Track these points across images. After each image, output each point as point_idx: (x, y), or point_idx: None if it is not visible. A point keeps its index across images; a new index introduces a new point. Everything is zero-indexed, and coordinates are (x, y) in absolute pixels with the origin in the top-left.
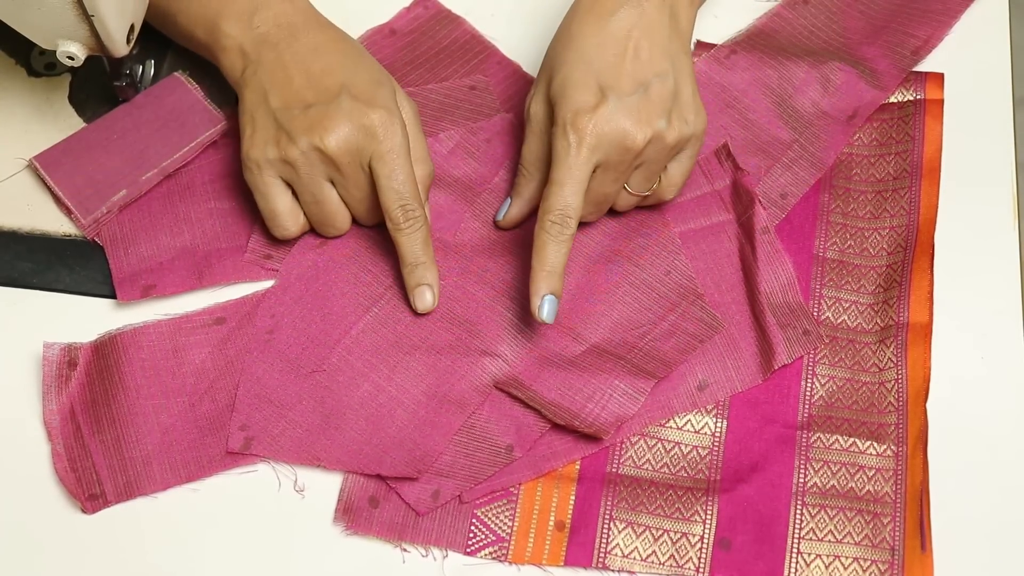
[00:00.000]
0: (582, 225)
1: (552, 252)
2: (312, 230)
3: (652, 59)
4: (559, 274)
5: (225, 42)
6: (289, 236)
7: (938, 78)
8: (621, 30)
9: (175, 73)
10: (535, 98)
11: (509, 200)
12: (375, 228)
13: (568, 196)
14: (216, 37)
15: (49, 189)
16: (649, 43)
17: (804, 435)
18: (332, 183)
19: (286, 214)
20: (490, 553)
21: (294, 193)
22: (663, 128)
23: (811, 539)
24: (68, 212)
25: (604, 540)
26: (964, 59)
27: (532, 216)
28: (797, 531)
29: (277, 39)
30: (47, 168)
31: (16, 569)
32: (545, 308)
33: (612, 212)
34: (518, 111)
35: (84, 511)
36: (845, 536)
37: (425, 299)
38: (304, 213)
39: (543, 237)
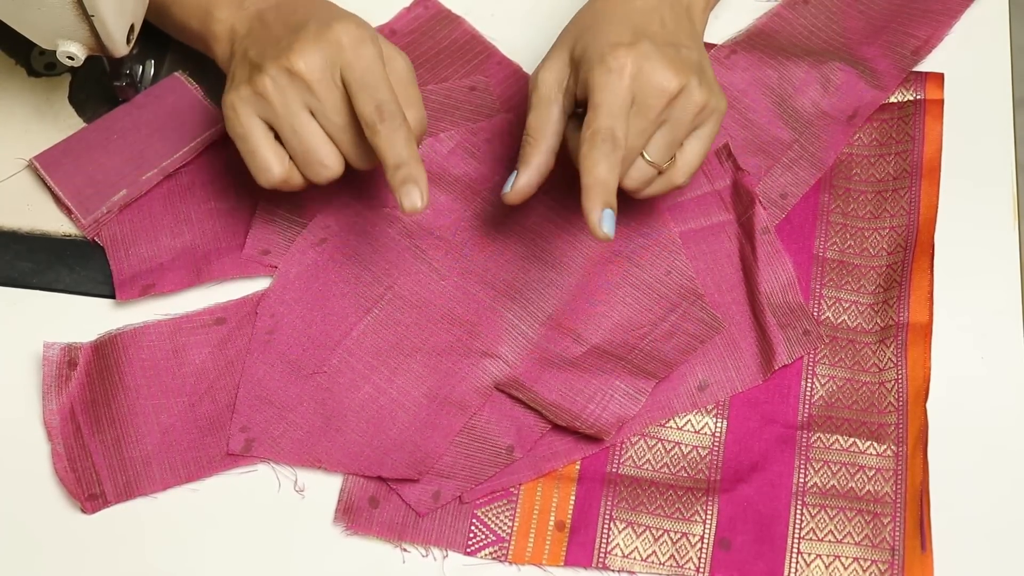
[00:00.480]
0: (581, 224)
1: (604, 167)
2: (311, 230)
3: (678, 32)
4: (613, 190)
5: (216, 28)
6: (274, 180)
7: (938, 78)
8: (647, 5)
9: (175, 73)
10: (546, 65)
11: (515, 172)
12: (375, 225)
13: (617, 115)
14: (208, 24)
15: (49, 189)
16: (674, 24)
17: (804, 435)
18: (312, 114)
19: (269, 155)
20: (490, 553)
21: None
22: (695, 84)
23: (811, 539)
24: (68, 212)
25: (604, 540)
26: (964, 59)
27: (537, 205)
28: (797, 531)
29: (264, 9)
30: (47, 168)
31: (16, 569)
32: (605, 222)
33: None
34: (519, 111)
35: (84, 511)
36: (845, 536)
37: (412, 197)
38: (289, 156)
39: (594, 155)
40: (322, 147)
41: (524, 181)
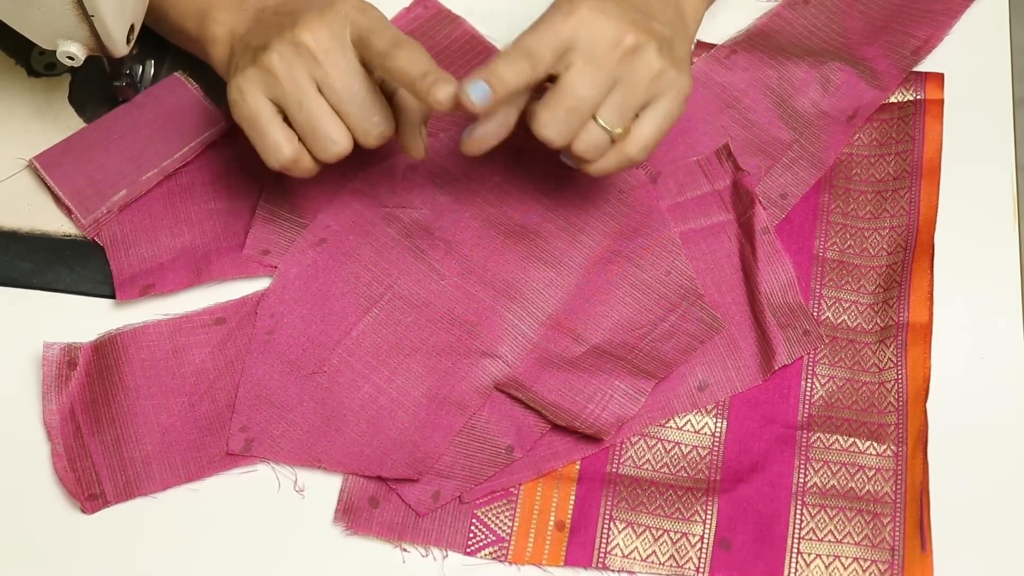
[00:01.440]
0: (581, 224)
1: (503, 66)
2: (311, 231)
3: (657, 11)
4: (504, 80)
5: (216, 29)
6: (285, 159)
7: (938, 78)
8: None
9: (175, 73)
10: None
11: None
12: (375, 225)
13: (543, 43)
14: (205, 25)
15: (49, 189)
16: (661, 3)
17: (804, 435)
18: (320, 91)
19: (278, 135)
20: (490, 553)
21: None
22: (654, 49)
23: (811, 539)
24: (68, 212)
25: (604, 540)
26: (964, 59)
27: (533, 200)
28: (797, 531)
29: (263, 8)
30: (47, 168)
31: (16, 569)
32: (474, 90)
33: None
34: None
35: (84, 511)
36: (845, 536)
37: (447, 89)
38: (297, 135)
39: (501, 58)
40: (330, 121)
41: (483, 130)
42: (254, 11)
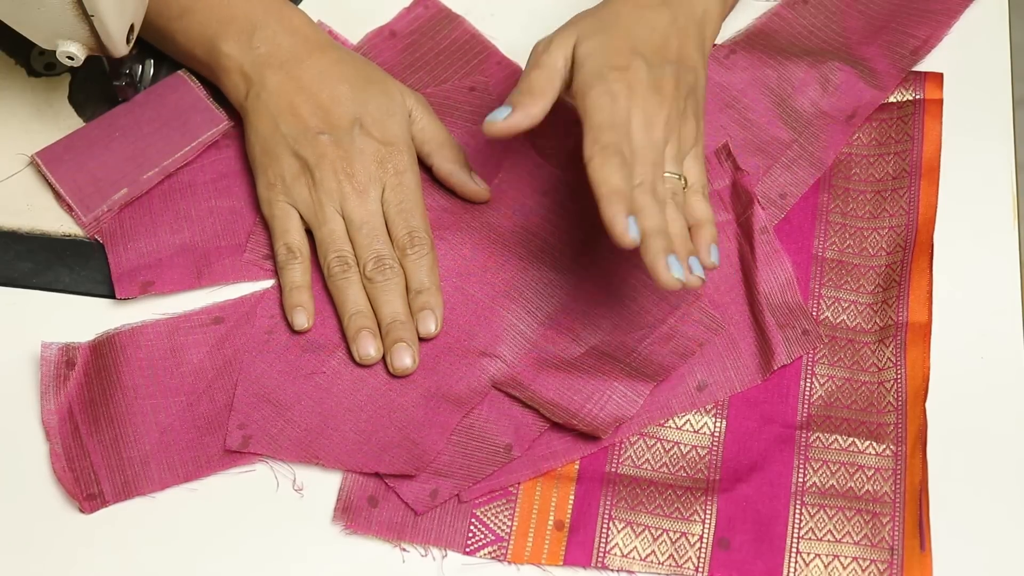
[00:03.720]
0: (580, 225)
1: (611, 173)
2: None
3: (680, 52)
4: (627, 195)
5: (225, 62)
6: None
7: (937, 78)
8: (658, 21)
9: (179, 71)
10: (554, 44)
11: (508, 108)
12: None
13: (620, 129)
14: (215, 57)
15: (50, 186)
16: (679, 42)
17: (803, 435)
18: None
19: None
20: (489, 553)
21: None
22: (680, 109)
23: (810, 539)
24: (69, 209)
25: (603, 540)
26: (964, 59)
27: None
28: (796, 531)
29: (279, 59)
30: (49, 164)
31: (15, 569)
32: (631, 227)
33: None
34: None
35: (82, 511)
36: (844, 536)
37: (427, 324)
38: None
39: (597, 162)
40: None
41: (516, 122)
42: (265, 55)
